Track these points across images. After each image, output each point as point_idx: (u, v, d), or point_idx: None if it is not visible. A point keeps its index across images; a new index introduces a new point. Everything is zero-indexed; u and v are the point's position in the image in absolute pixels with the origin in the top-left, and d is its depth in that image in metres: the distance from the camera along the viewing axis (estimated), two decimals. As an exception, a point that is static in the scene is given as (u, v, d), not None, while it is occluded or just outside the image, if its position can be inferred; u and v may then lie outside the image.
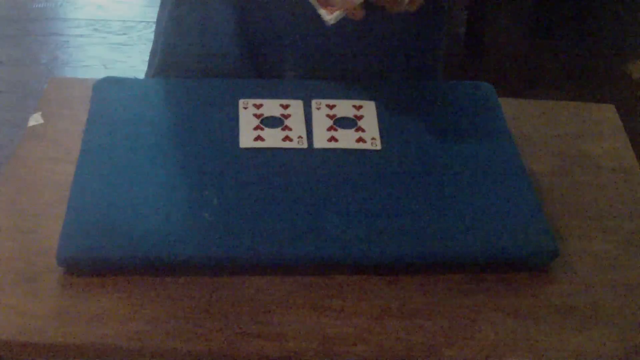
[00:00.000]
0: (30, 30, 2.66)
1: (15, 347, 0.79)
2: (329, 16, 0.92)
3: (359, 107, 1.01)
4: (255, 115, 0.99)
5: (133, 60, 2.47)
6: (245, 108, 1.00)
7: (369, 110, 1.01)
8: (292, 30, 1.06)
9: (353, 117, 1.00)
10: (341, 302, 0.83)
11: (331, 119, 0.99)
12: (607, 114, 1.11)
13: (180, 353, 0.79)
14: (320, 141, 0.97)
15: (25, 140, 0.99)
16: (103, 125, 0.97)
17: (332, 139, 0.97)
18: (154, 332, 0.79)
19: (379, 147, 0.96)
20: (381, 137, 0.97)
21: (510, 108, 1.07)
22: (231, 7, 1.06)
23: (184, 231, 0.85)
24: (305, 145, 0.96)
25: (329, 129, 0.98)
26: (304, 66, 1.08)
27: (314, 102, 1.01)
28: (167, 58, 1.13)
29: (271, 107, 1.00)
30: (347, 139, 0.97)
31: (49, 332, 0.79)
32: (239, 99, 1.00)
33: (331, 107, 1.00)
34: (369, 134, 0.98)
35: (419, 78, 1.13)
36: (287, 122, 0.98)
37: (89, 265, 0.83)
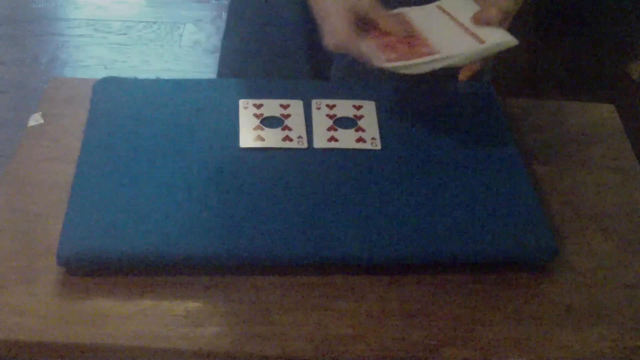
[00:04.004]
0: (30, 30, 2.66)
1: (15, 346, 0.79)
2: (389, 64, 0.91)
3: (359, 107, 1.01)
4: (255, 115, 0.99)
5: (133, 60, 2.47)
6: (245, 108, 1.00)
7: (369, 110, 1.01)
8: None
9: (353, 117, 1.00)
10: (341, 302, 0.83)
11: (331, 119, 0.99)
12: (607, 114, 1.11)
13: (180, 353, 0.79)
14: (320, 141, 0.97)
15: (25, 140, 0.99)
16: (103, 125, 0.97)
17: (332, 139, 0.97)
18: (155, 332, 0.79)
19: (379, 147, 0.96)
20: (381, 137, 0.97)
21: (510, 108, 1.07)
22: (295, 6, 1.06)
23: (184, 231, 0.85)
24: (305, 145, 0.96)
25: (329, 129, 0.98)
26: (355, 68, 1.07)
27: (314, 102, 1.01)
28: (228, 60, 1.14)
29: (271, 107, 1.00)
30: (347, 139, 0.97)
31: (49, 332, 0.79)
32: (239, 99, 1.00)
33: (331, 107, 1.00)
34: (369, 134, 0.98)
35: None
36: (287, 122, 0.98)
37: (89, 265, 0.83)
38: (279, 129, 0.97)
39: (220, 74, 1.18)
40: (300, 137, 0.97)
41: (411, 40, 0.93)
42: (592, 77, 2.59)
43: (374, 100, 1.02)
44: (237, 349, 0.78)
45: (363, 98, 1.02)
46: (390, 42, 0.92)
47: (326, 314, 0.82)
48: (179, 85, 1.04)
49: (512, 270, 0.87)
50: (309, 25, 1.05)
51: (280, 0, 1.09)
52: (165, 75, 2.13)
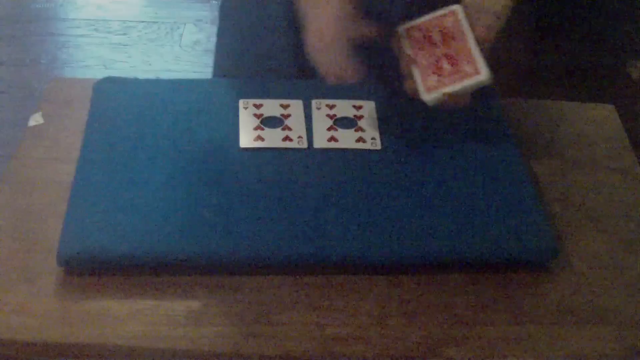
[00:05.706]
0: (30, 30, 2.66)
1: (15, 346, 0.79)
2: (428, 97, 0.92)
3: (359, 107, 1.01)
4: (255, 115, 0.99)
5: (133, 60, 2.47)
6: (245, 108, 1.00)
7: (369, 110, 1.01)
8: None
9: (353, 117, 1.00)
10: (341, 302, 0.83)
11: (331, 119, 0.99)
12: (607, 114, 1.11)
13: (180, 353, 0.79)
14: (320, 141, 0.97)
15: (25, 140, 0.99)
16: (103, 125, 0.97)
17: (332, 139, 0.97)
18: (155, 332, 0.79)
19: (379, 147, 0.96)
20: (381, 137, 0.97)
21: (511, 108, 1.07)
22: (285, 6, 1.06)
23: (184, 231, 0.85)
24: (305, 145, 0.96)
25: (329, 129, 0.98)
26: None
27: (314, 102, 1.01)
28: (222, 60, 1.13)
29: (271, 107, 1.00)
30: (347, 139, 0.97)
31: (49, 332, 0.79)
32: (239, 99, 1.00)
33: (331, 107, 1.00)
34: (369, 134, 0.98)
35: None
36: (287, 122, 0.98)
37: (89, 265, 0.83)
38: (279, 129, 0.97)
39: (215, 74, 1.18)
40: (300, 137, 0.97)
41: (454, 54, 0.92)
42: (592, 77, 2.59)
43: (373, 100, 1.02)
44: (237, 349, 0.78)
45: (363, 98, 1.02)
46: (434, 55, 0.92)
47: (326, 314, 0.82)
48: (178, 85, 1.04)
49: (512, 270, 0.87)
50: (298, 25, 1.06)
51: (270, 2, 1.09)
52: (165, 75, 2.14)
